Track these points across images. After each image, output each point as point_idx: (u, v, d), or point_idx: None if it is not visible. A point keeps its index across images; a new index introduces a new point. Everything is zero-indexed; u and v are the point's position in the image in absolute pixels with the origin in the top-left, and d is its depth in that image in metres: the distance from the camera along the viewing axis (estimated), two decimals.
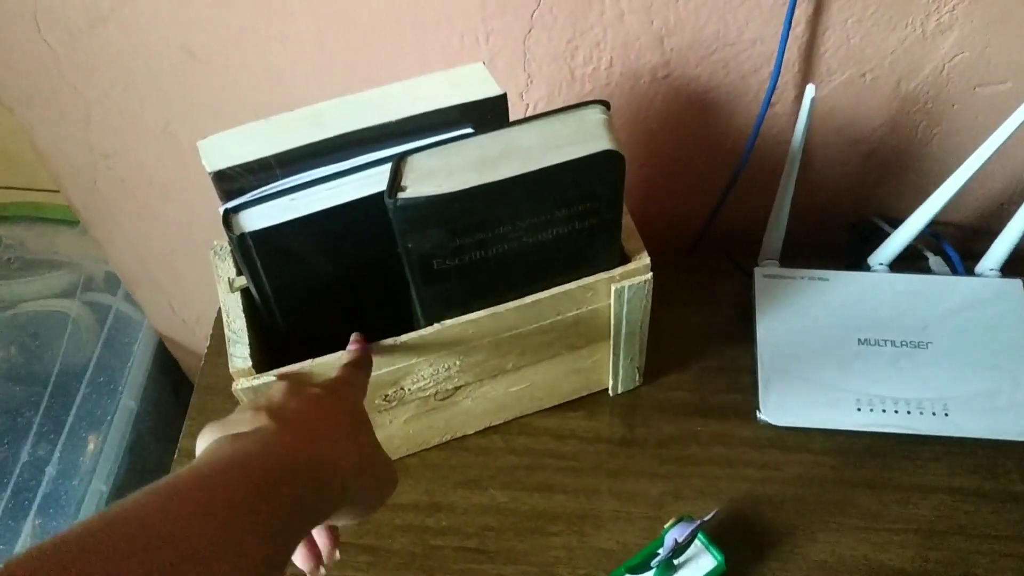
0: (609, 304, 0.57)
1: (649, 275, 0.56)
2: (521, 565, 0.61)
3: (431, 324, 0.54)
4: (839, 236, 0.80)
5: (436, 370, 0.57)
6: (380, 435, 0.61)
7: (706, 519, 0.52)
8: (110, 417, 1.00)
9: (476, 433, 0.67)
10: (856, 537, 0.61)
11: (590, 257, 0.55)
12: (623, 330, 0.60)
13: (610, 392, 0.68)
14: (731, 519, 0.62)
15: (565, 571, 0.60)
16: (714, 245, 0.80)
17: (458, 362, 0.57)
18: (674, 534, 0.51)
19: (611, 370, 0.65)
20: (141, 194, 0.84)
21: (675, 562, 0.57)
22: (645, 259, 0.56)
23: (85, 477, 0.95)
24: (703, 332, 0.72)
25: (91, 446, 0.97)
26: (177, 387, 1.12)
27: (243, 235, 0.50)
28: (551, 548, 0.62)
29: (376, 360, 0.54)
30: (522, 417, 0.68)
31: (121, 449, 1.01)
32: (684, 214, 0.80)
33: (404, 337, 0.54)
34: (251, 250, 0.51)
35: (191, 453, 0.68)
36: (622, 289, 0.56)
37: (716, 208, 0.75)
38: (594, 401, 0.69)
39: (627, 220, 0.58)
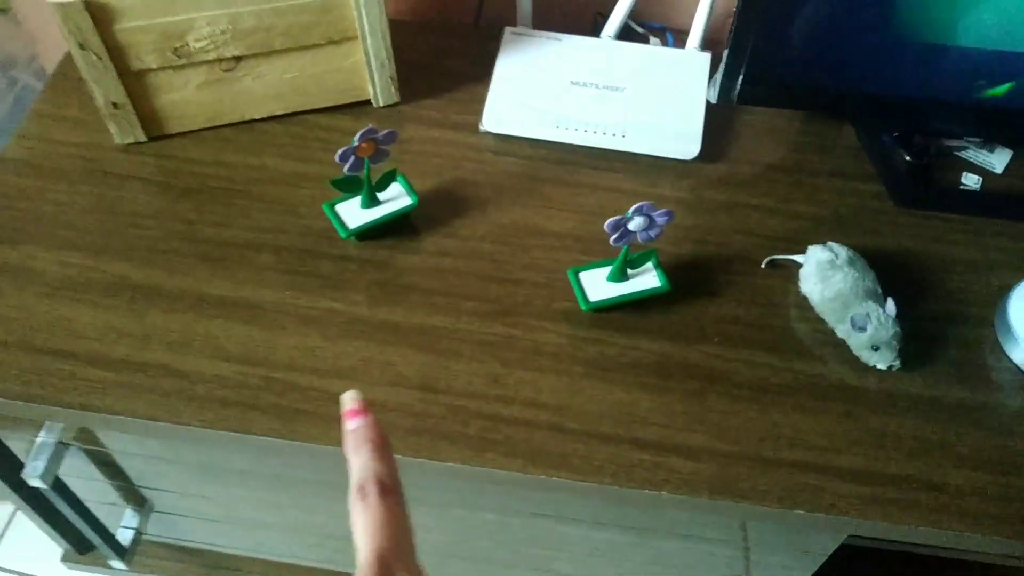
0: None
1: None
2: (269, 203, 0.79)
3: None
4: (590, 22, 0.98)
5: (212, 30, 0.75)
6: (177, 96, 0.79)
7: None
8: None
9: (261, 120, 0.85)
10: (535, 211, 0.80)
11: None
12: (366, 28, 0.78)
13: (373, 103, 0.86)
14: (439, 191, 0.81)
15: (308, 212, 0.79)
16: (501, 17, 0.97)
17: (230, 26, 0.75)
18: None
19: (368, 77, 0.83)
20: None
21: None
22: None
23: None
24: (461, 74, 0.90)
25: None
26: None
27: None
28: (299, 193, 0.80)
29: (160, 9, 0.72)
30: (299, 113, 0.85)
31: None
32: None
33: None
34: None
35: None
36: None
37: None
38: (360, 109, 0.87)
39: None
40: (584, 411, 0.68)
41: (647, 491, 0.65)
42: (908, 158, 0.83)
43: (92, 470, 0.85)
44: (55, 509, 0.88)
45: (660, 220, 0.67)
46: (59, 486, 0.81)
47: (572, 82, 0.86)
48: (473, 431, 0.67)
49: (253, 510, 0.89)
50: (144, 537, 1.04)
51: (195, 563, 1.11)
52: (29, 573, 1.18)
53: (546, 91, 0.85)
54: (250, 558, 1.10)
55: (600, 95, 0.85)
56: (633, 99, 0.85)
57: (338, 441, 0.65)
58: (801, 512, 0.64)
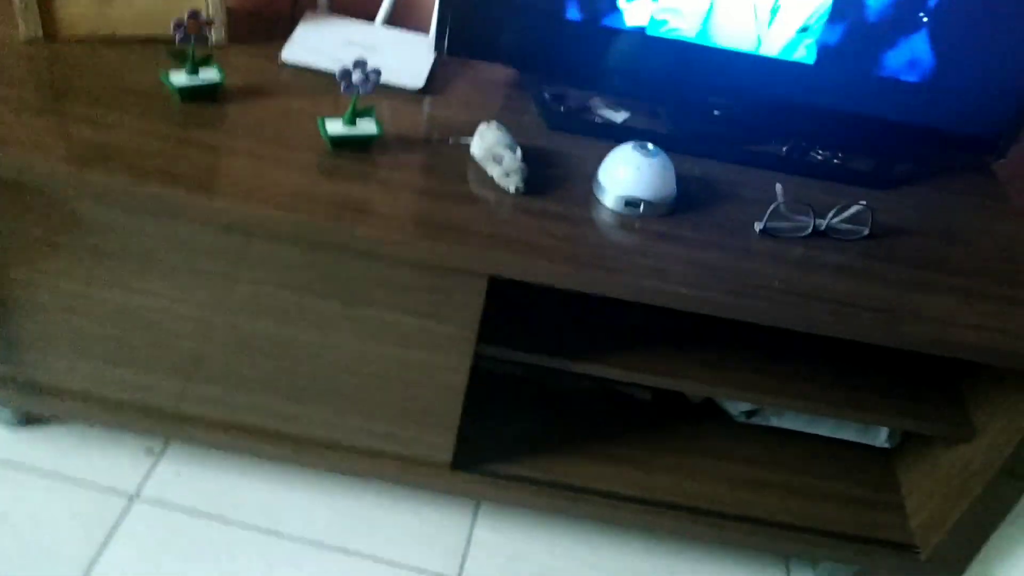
0: None
1: None
2: (125, 78, 1.16)
3: None
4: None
5: None
6: (72, 9, 1.17)
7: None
8: None
9: (126, 39, 1.23)
10: (310, 104, 1.19)
11: None
12: None
13: (208, 42, 1.27)
14: (245, 86, 1.20)
15: (149, 82, 1.16)
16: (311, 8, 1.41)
17: None
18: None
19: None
20: None
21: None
22: None
23: None
24: (274, 36, 1.31)
25: None
26: None
27: None
28: (150, 77, 1.17)
29: None
30: (154, 39, 1.24)
31: None
32: None
33: None
34: None
35: None
36: None
37: None
38: (199, 46, 1.27)
39: None
40: (316, 195, 1.05)
41: (358, 235, 1.01)
42: (561, 108, 1.28)
43: None
44: None
45: (373, 77, 1.08)
46: None
47: (348, 42, 1.29)
48: (239, 191, 1.02)
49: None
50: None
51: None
52: None
53: (329, 44, 1.28)
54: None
55: (365, 51, 1.28)
56: (386, 54, 1.28)
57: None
58: (446, 246, 1.01)
